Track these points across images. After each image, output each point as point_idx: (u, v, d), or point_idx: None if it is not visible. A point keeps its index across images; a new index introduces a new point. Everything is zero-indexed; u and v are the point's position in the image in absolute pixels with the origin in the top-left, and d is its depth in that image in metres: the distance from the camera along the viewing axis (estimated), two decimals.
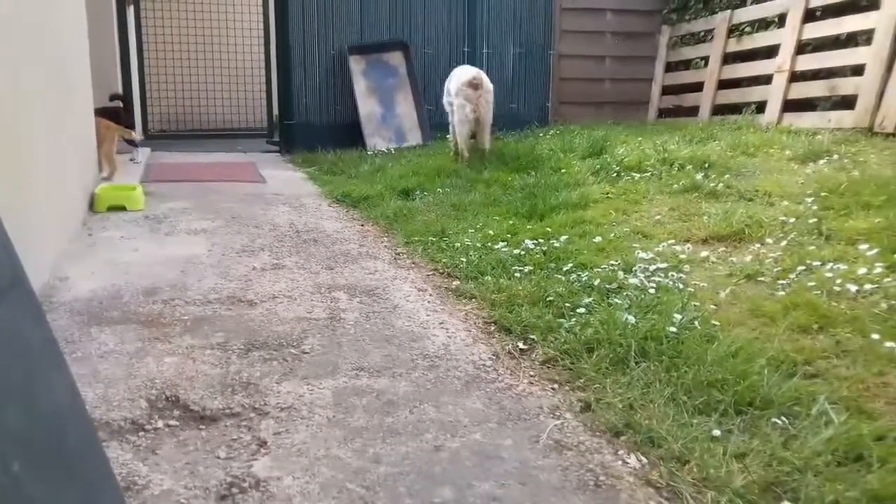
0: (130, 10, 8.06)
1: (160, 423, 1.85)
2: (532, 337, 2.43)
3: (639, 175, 4.57)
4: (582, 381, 2.12)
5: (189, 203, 4.65)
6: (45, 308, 2.62)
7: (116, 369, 2.14)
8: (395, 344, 2.41)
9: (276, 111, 8.05)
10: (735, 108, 6.96)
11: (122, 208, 4.36)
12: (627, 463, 1.70)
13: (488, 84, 5.70)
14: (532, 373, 2.21)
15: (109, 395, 1.97)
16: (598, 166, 4.89)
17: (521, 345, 2.41)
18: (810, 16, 6.24)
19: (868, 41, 5.58)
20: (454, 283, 3.09)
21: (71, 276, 3.06)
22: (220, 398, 1.97)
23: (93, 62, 4.93)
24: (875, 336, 2.21)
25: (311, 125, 7.53)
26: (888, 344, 2.15)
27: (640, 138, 5.77)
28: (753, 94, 6.87)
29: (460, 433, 1.82)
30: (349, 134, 7.32)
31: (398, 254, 3.59)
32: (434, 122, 7.68)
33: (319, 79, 7.57)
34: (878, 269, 2.67)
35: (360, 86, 7.48)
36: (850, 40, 5.87)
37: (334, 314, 2.66)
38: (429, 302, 2.86)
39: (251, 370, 2.16)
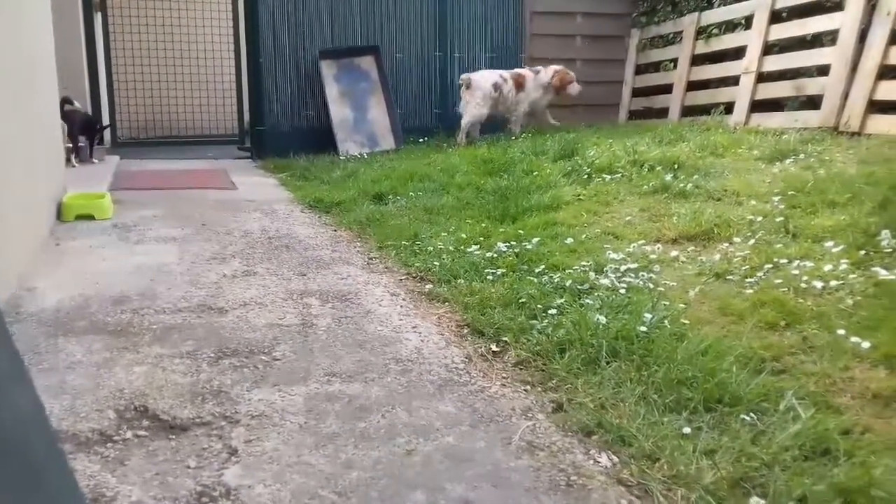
0: (98, 17, 7.98)
1: (129, 434, 1.83)
2: (505, 339, 2.44)
3: (609, 176, 4.61)
4: (554, 381, 2.13)
5: (159, 211, 4.60)
6: (12, 319, 2.58)
7: (84, 380, 2.11)
8: (368, 349, 2.40)
9: (247, 117, 7.99)
10: (704, 110, 7.04)
11: (91, 217, 4.31)
12: (599, 462, 1.72)
13: (477, 84, 7.06)
14: (505, 375, 2.22)
15: (77, 406, 1.95)
16: (570, 168, 4.92)
17: (493, 347, 2.42)
18: (776, 17, 6.34)
19: (833, 41, 5.68)
20: (427, 286, 3.10)
21: (38, 286, 3.01)
22: (190, 407, 1.96)
23: (60, 70, 4.86)
24: (841, 331, 2.25)
25: (282, 131, 7.48)
26: (853, 339, 2.19)
27: (610, 140, 5.82)
28: (722, 95, 6.96)
29: (433, 436, 1.82)
30: (321, 139, 7.29)
31: (371, 258, 3.58)
32: (406, 126, 7.68)
33: (291, 84, 7.54)
34: (844, 266, 2.72)
35: (331, 91, 7.46)
36: (816, 41, 5.97)
37: (306, 320, 2.65)
38: (402, 306, 2.86)
39: (222, 378, 2.14)
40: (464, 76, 7.21)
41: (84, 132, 6.49)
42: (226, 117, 9.23)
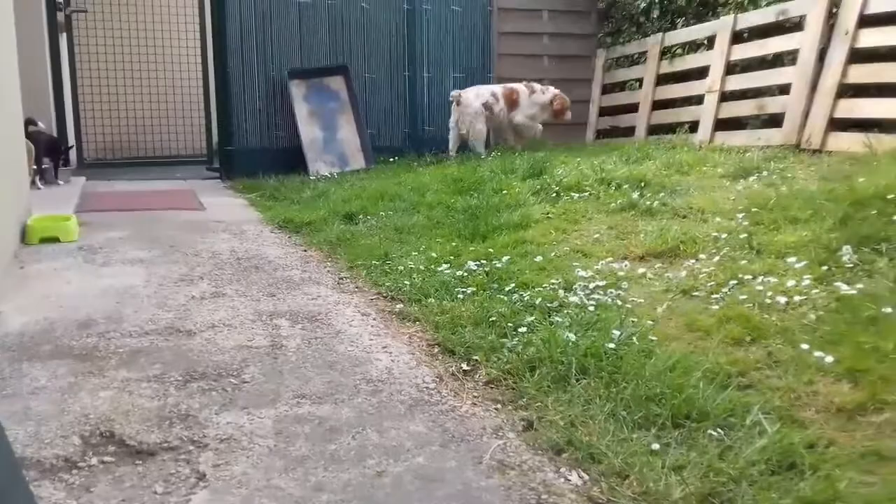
0: (63, 38, 7.90)
1: (94, 460, 1.80)
2: (475, 358, 2.45)
3: (578, 195, 4.66)
4: (524, 400, 2.14)
5: (126, 232, 4.55)
6: None
7: (48, 406, 2.08)
8: (338, 370, 2.39)
9: (215, 137, 7.95)
10: (670, 128, 7.15)
11: (56, 240, 4.24)
12: (569, 480, 1.72)
13: (467, 101, 7.27)
14: (475, 394, 2.23)
15: (41, 432, 1.91)
16: (539, 187, 4.96)
17: (464, 366, 2.42)
18: (738, 38, 6.48)
19: (793, 61, 5.82)
20: (398, 306, 3.10)
21: (2, 310, 2.96)
22: (157, 431, 1.93)
23: (24, 90, 4.80)
24: (804, 346, 2.28)
25: (251, 151, 7.45)
26: (817, 353, 2.22)
27: (578, 159, 5.88)
28: (686, 114, 7.08)
29: (403, 457, 1.82)
30: (291, 159, 7.26)
31: (341, 278, 3.57)
32: (377, 145, 7.70)
33: (260, 104, 7.52)
34: (807, 281, 2.77)
35: (301, 111, 7.46)
36: (777, 61, 6.11)
37: (276, 342, 2.63)
38: (372, 326, 2.85)
39: (190, 402, 2.12)
40: (454, 93, 7.36)
41: (49, 153, 6.41)
42: (194, 137, 9.16)
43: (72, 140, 7.79)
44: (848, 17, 5.32)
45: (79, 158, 8.18)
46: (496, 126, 7.60)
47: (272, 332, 2.73)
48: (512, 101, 7.42)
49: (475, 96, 7.35)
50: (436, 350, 2.59)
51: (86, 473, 1.74)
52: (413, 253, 3.78)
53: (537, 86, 7.58)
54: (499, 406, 2.14)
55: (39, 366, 2.37)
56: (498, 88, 7.48)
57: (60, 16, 7.82)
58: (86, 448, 1.85)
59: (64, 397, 2.14)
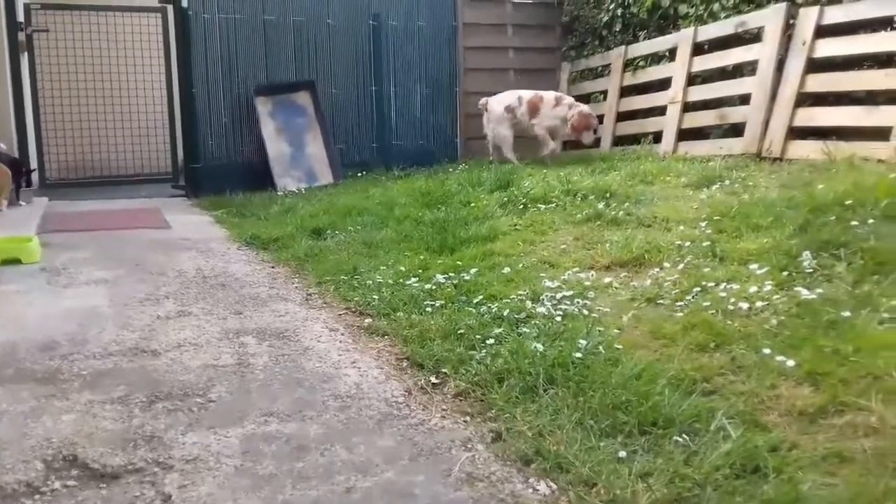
0: (24, 58, 7.79)
1: (57, 485, 1.77)
2: (444, 371, 2.45)
3: (544, 206, 4.69)
4: (493, 411, 2.15)
5: (89, 253, 4.48)
6: None
7: (10, 430, 2.04)
8: (306, 386, 2.38)
9: (181, 155, 7.88)
10: (634, 139, 7.25)
11: (18, 261, 4.16)
12: (537, 490, 1.73)
13: (492, 106, 7.38)
14: (444, 406, 2.23)
15: (2, 457, 1.88)
16: (506, 199, 4.99)
17: (433, 379, 2.42)
18: (699, 49, 6.60)
19: (753, 72, 5.94)
20: (366, 320, 3.09)
21: None
22: (121, 454, 1.90)
23: None
24: (767, 351, 2.32)
25: (218, 168, 7.39)
26: (779, 358, 2.26)
27: (545, 170, 5.94)
28: (650, 124, 7.18)
29: (372, 473, 1.81)
30: (258, 175, 7.22)
31: (309, 294, 3.56)
32: (345, 160, 7.69)
33: (225, 120, 7.47)
34: (768, 287, 2.82)
35: (267, 127, 7.43)
36: (737, 71, 6.23)
37: (242, 360, 2.61)
38: (341, 342, 2.85)
39: (155, 423, 2.09)
40: (482, 100, 7.49)
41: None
42: (159, 156, 9.06)
43: (34, 161, 7.67)
44: (805, 28, 5.46)
45: (41, 179, 8.05)
46: (521, 132, 7.38)
47: (239, 351, 2.71)
48: (534, 108, 7.15)
49: (499, 101, 7.34)
50: (405, 364, 2.59)
51: (48, 499, 1.71)
52: (382, 267, 3.78)
53: (567, 99, 7.22)
54: (468, 418, 2.14)
55: (1, 390, 2.33)
56: (527, 93, 7.28)
57: (21, 35, 7.71)
58: (48, 472, 1.82)
59: (26, 421, 2.10)
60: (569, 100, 7.21)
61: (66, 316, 3.15)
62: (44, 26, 8.13)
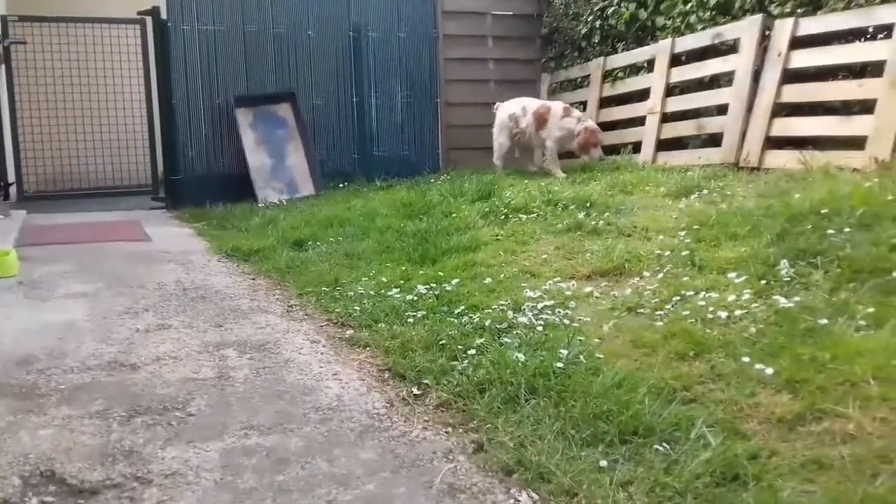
0: (2, 69, 7.72)
1: (35, 501, 1.75)
2: (426, 381, 2.45)
3: (526, 216, 4.71)
4: (475, 422, 2.15)
5: (68, 266, 4.44)
6: None
7: None
8: (287, 399, 2.37)
9: (161, 167, 7.84)
10: (614, 149, 7.28)
11: None
12: (519, 501, 1.73)
13: (498, 113, 7.27)
14: (426, 418, 2.23)
15: None
16: (487, 209, 5.00)
17: (415, 390, 2.42)
18: (676, 60, 6.66)
19: (730, 82, 6.00)
20: (348, 332, 3.08)
21: None
22: (99, 469, 1.88)
23: None
24: (745, 359, 2.34)
25: (198, 180, 7.36)
26: (758, 366, 2.28)
27: (526, 181, 5.96)
28: (629, 135, 7.23)
29: (353, 485, 1.81)
30: (239, 187, 7.19)
31: (291, 306, 3.54)
32: (326, 171, 7.68)
33: (206, 132, 7.44)
34: (746, 296, 2.84)
35: (248, 138, 7.41)
36: (714, 82, 6.30)
37: (223, 373, 2.60)
38: (322, 353, 2.84)
39: (134, 437, 2.07)
40: (496, 105, 7.38)
41: None
42: (139, 168, 8.98)
43: (12, 173, 7.58)
44: (780, 39, 5.53)
45: (19, 192, 7.97)
46: (525, 143, 7.19)
47: (219, 364, 2.69)
48: (541, 120, 6.90)
49: (505, 108, 7.22)
50: (386, 375, 2.58)
51: None
52: (363, 278, 3.78)
53: (575, 111, 6.98)
54: (449, 429, 2.14)
55: None
56: (534, 103, 7.11)
57: None
58: (25, 489, 1.80)
59: (3, 437, 2.08)
60: (577, 112, 6.98)
61: (44, 330, 3.11)
62: (21, 38, 8.05)
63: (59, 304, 3.59)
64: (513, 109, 7.13)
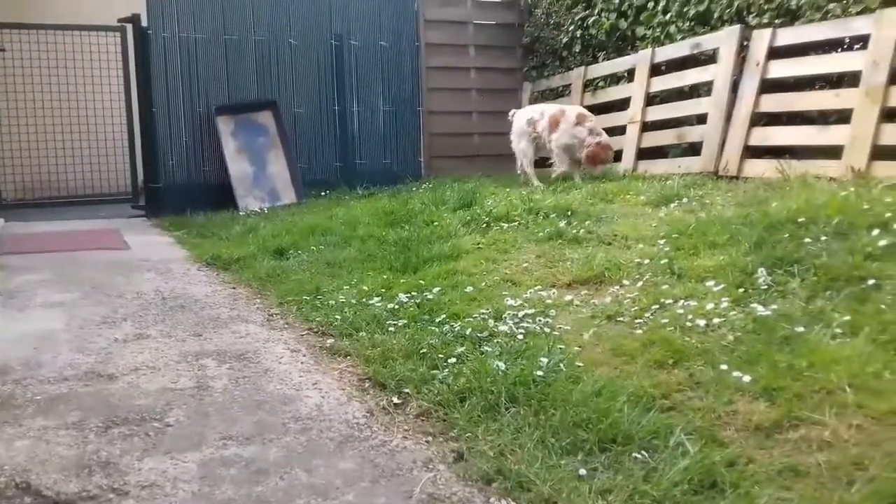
0: None
1: None
2: (406, 390, 2.45)
3: (507, 225, 4.72)
4: (455, 431, 2.15)
5: (46, 275, 4.39)
6: None
7: None
8: (266, 409, 2.36)
9: (140, 175, 7.78)
10: None
11: None
12: None
13: (515, 119, 7.12)
14: (406, 427, 2.22)
15: None
16: (469, 218, 5.01)
17: (395, 399, 2.41)
18: (656, 70, 6.73)
19: (709, 92, 6.07)
20: (329, 341, 3.07)
21: None
22: (75, 481, 1.86)
23: None
24: (724, 367, 2.36)
25: (178, 188, 7.32)
26: (736, 373, 2.30)
27: (507, 189, 5.98)
28: (610, 143, 7.26)
29: (332, 496, 1.80)
30: (220, 195, 7.16)
31: (271, 315, 3.53)
32: (308, 179, 7.66)
33: (186, 140, 7.41)
34: (725, 304, 2.87)
35: (229, 147, 7.38)
36: (694, 91, 6.36)
37: (201, 383, 2.58)
38: (302, 363, 2.82)
39: (110, 448, 2.05)
40: (511, 112, 7.24)
41: None
42: (118, 176, 8.90)
43: None
44: (758, 49, 5.60)
45: None
46: (541, 146, 6.94)
47: (198, 374, 2.67)
48: (554, 123, 6.66)
49: (522, 114, 7.08)
50: (367, 384, 2.57)
51: None
52: (344, 287, 3.77)
53: (590, 120, 6.57)
54: (430, 438, 2.14)
55: None
56: (551, 107, 6.93)
57: None
58: (1, 500, 1.77)
59: None
60: (591, 122, 6.56)
61: (21, 340, 3.08)
62: (0, 45, 7.99)
63: (36, 313, 3.55)
64: (531, 114, 6.97)
